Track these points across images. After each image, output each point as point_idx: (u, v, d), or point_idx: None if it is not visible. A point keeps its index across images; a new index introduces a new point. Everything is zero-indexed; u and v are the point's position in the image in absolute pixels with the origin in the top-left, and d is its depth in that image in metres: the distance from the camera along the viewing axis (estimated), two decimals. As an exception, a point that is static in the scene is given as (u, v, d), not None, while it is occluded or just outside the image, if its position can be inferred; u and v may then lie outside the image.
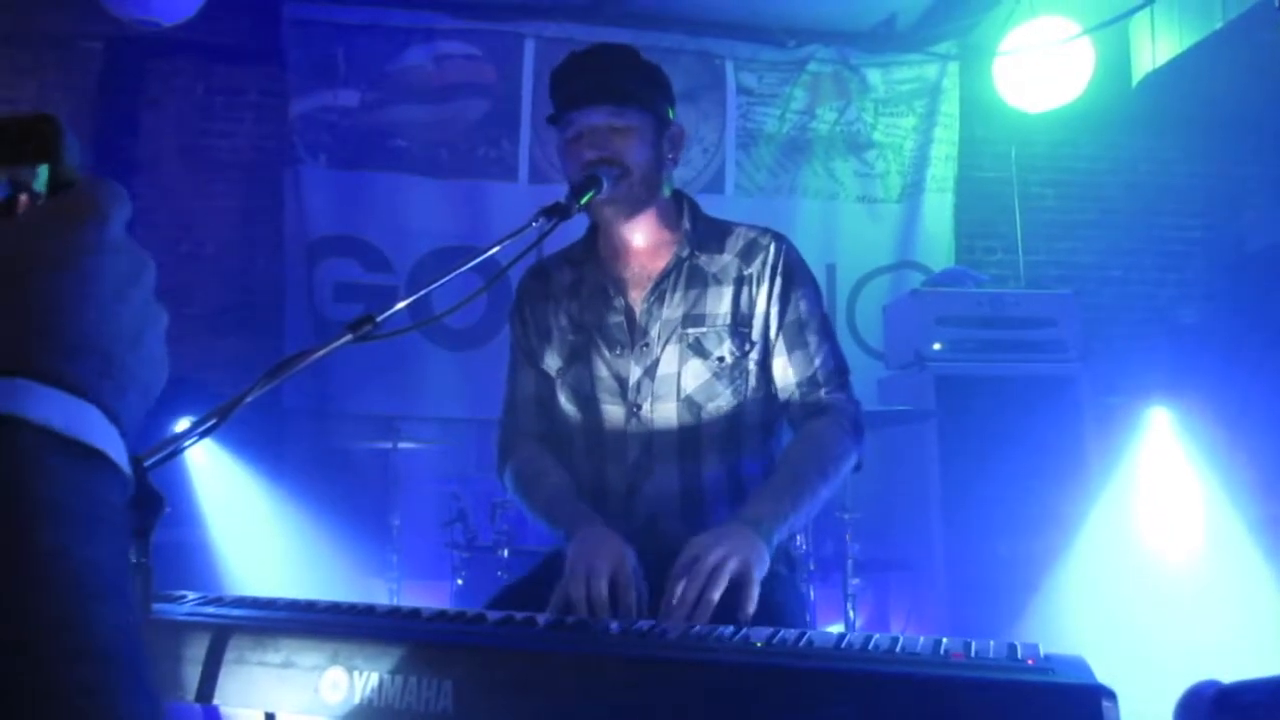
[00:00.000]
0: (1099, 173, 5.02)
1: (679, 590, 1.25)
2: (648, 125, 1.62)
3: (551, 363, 1.72)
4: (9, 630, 0.35)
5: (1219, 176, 5.02)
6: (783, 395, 1.66)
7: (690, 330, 1.63)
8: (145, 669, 0.38)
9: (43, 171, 0.52)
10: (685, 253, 1.67)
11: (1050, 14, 4.06)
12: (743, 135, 4.64)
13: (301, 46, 4.38)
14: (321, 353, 1.12)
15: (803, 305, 1.65)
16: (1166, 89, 4.15)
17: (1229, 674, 1.00)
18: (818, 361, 1.63)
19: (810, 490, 1.48)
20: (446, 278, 1.31)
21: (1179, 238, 5.04)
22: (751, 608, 1.26)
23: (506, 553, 3.12)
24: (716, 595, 1.24)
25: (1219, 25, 3.69)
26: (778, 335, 1.64)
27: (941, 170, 4.73)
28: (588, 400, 1.67)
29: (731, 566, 1.27)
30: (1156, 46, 4.02)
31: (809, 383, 1.63)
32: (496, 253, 1.37)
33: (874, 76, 4.72)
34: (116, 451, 0.44)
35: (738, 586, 1.27)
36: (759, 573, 1.30)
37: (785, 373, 1.64)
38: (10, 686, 0.34)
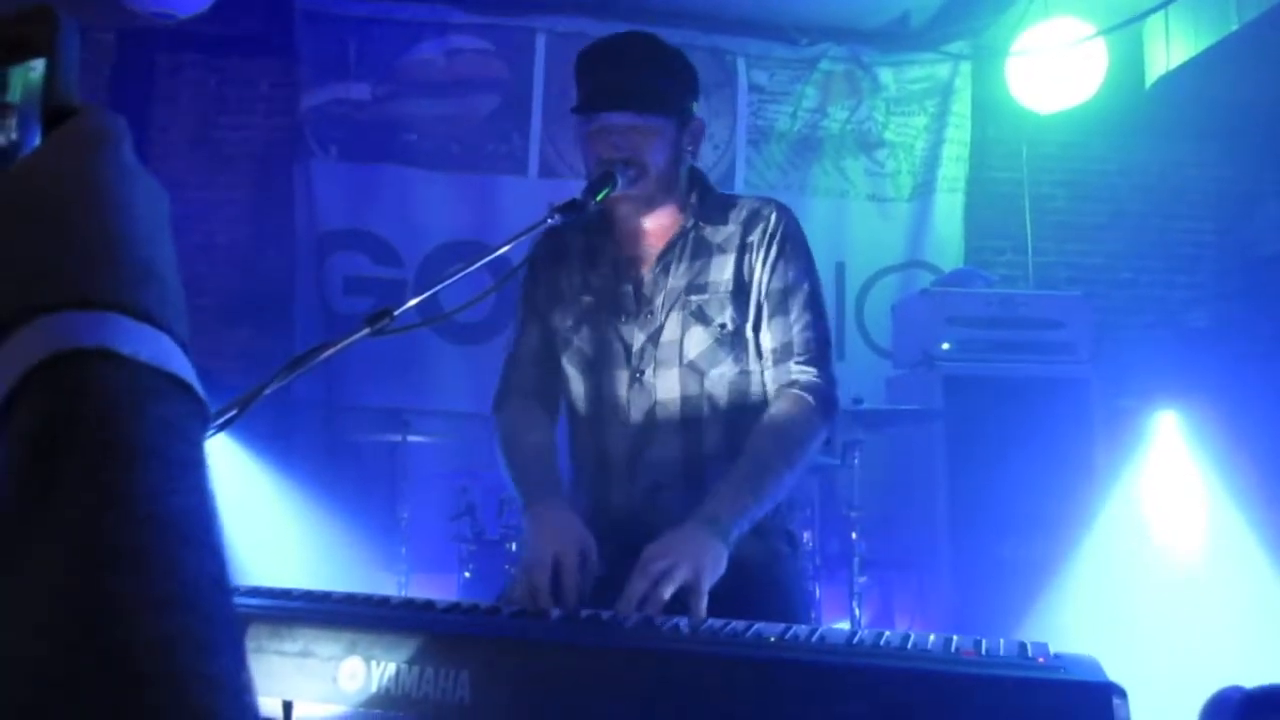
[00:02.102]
0: (1110, 174, 5.00)
1: (628, 592, 1.27)
2: (670, 125, 1.62)
3: (560, 322, 1.73)
4: (94, 577, 0.34)
5: (1231, 179, 5.01)
6: (762, 363, 1.66)
7: (693, 298, 1.64)
8: (231, 621, 0.37)
9: (35, 69, 0.48)
10: (690, 224, 1.68)
11: (1064, 15, 4.05)
12: (753, 133, 4.64)
13: (313, 40, 4.39)
14: (340, 346, 1.13)
15: (790, 274, 1.64)
16: (1180, 91, 4.14)
17: (1236, 678, 1.00)
18: (795, 330, 1.62)
19: (774, 479, 1.49)
20: (462, 273, 1.32)
21: (1190, 240, 5.03)
22: (700, 615, 1.27)
23: (514, 546, 3.14)
24: (666, 594, 1.26)
25: (1234, 27, 3.68)
26: (763, 301, 1.64)
27: (952, 170, 4.73)
28: (591, 365, 1.69)
29: (681, 574, 1.29)
30: (1171, 48, 4.01)
31: (783, 351, 1.62)
32: (509, 249, 1.38)
33: (886, 75, 4.72)
34: (196, 382, 0.43)
35: (686, 593, 1.29)
36: (709, 580, 1.32)
37: (764, 339, 1.64)
38: (92, 635, 0.33)
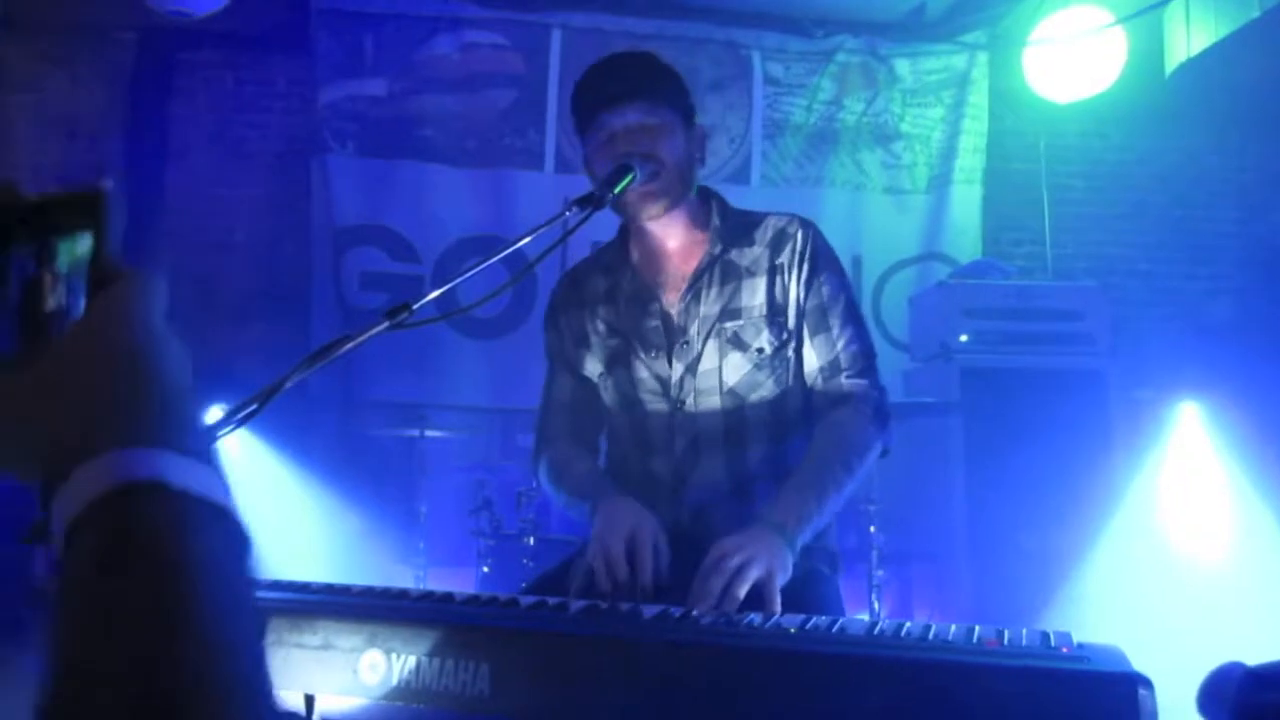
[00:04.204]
0: (1129, 164, 4.96)
1: (705, 587, 1.27)
2: (678, 122, 1.63)
3: (592, 368, 1.74)
4: (159, 688, 0.38)
5: (1253, 169, 4.95)
6: (807, 381, 1.67)
7: (728, 324, 1.64)
8: (274, 710, 0.42)
9: (82, 241, 0.55)
10: (717, 249, 1.67)
11: (1082, 3, 4.02)
12: (769, 126, 4.62)
13: (329, 36, 4.40)
14: (359, 340, 1.14)
15: (825, 290, 1.65)
16: (1201, 79, 4.09)
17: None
18: (840, 346, 1.64)
19: (835, 486, 1.49)
20: (480, 266, 1.32)
21: (1210, 231, 4.98)
22: (775, 612, 1.27)
23: (532, 540, 3.14)
24: (742, 592, 1.26)
25: (1256, 15, 3.63)
26: (802, 321, 1.65)
27: (969, 161, 4.70)
28: (631, 401, 1.70)
29: (755, 571, 1.28)
30: (1191, 36, 3.96)
31: (830, 368, 1.63)
32: (527, 243, 1.38)
33: (902, 67, 4.69)
34: (236, 508, 0.50)
35: (760, 591, 1.29)
36: (781, 579, 1.32)
37: (809, 358, 1.65)
38: None
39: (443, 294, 1.28)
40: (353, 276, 4.32)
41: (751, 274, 1.66)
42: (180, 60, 4.57)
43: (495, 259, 1.33)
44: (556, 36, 4.49)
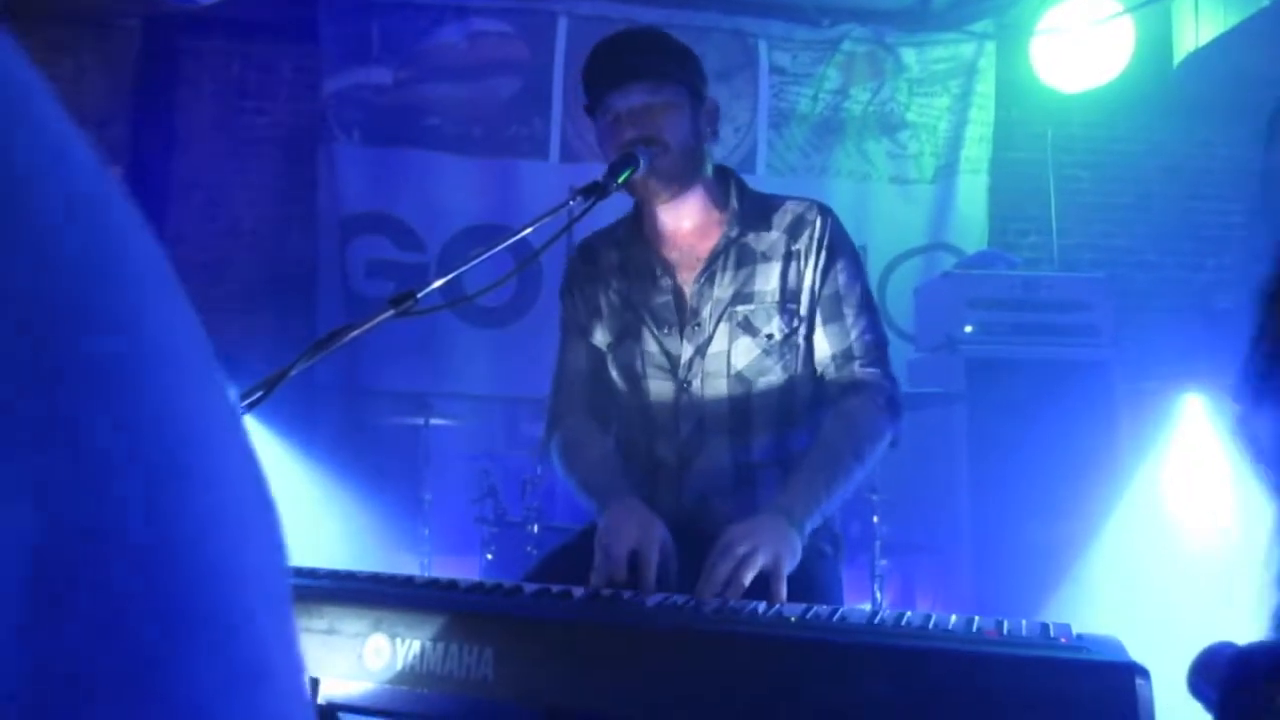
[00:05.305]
0: (1137, 155, 4.94)
1: (712, 573, 1.27)
2: (684, 101, 1.62)
3: (602, 339, 1.74)
4: None
5: (1261, 160, 4.92)
6: (819, 369, 1.66)
7: (740, 308, 1.64)
8: None
9: None
10: (734, 233, 1.66)
11: (1090, -8, 4.00)
12: (775, 115, 4.61)
13: (335, 24, 4.40)
14: (365, 328, 1.14)
15: (841, 279, 1.64)
16: (1209, 70, 4.07)
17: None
18: (853, 335, 1.63)
19: (845, 473, 1.49)
20: (484, 255, 1.32)
21: (1218, 222, 4.96)
22: (780, 598, 1.28)
23: (536, 528, 3.15)
24: (748, 579, 1.26)
25: (1265, 4, 3.61)
26: (815, 308, 1.64)
27: (975, 151, 4.68)
28: (637, 377, 1.69)
29: (762, 558, 1.29)
30: (1200, 26, 3.94)
31: (843, 356, 1.63)
32: (532, 232, 1.39)
33: (909, 56, 4.67)
34: None
35: (767, 579, 1.29)
36: (788, 566, 1.32)
37: (821, 346, 1.65)
38: None
39: (448, 282, 1.29)
40: (358, 265, 4.33)
41: (767, 259, 1.65)
42: (185, 48, 4.57)
43: (500, 248, 1.34)
44: (562, 25, 4.48)
